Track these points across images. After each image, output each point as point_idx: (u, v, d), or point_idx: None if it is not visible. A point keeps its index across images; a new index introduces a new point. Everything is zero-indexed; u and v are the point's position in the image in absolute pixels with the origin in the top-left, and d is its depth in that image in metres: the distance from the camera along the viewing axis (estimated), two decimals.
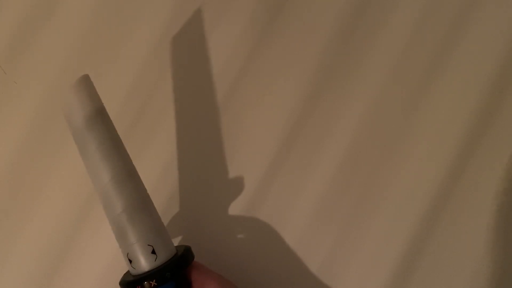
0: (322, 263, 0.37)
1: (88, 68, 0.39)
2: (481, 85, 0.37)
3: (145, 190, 0.31)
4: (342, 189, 0.37)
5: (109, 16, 0.39)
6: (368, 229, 0.37)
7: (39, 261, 0.38)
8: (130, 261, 0.30)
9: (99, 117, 0.29)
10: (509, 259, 0.36)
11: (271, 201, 0.37)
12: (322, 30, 0.38)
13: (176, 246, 0.32)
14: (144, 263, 0.29)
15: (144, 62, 0.39)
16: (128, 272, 0.31)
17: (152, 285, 0.29)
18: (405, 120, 0.37)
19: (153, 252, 0.30)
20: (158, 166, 0.38)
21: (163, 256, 0.30)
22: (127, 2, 0.39)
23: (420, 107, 0.37)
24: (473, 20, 0.38)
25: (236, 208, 0.38)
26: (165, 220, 0.37)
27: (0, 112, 0.39)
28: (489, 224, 0.36)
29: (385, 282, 0.36)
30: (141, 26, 0.39)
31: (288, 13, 0.39)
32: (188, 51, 0.39)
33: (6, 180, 0.39)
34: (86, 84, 0.29)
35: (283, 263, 0.37)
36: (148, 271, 0.29)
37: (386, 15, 0.38)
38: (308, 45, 0.38)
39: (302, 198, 0.37)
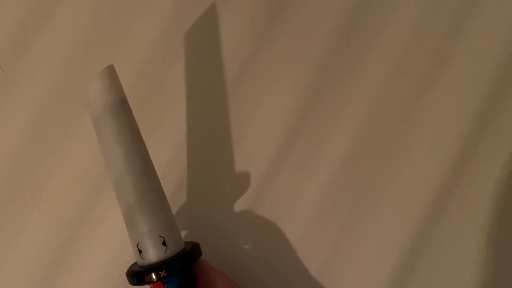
0: (323, 262, 0.37)
1: (88, 68, 0.39)
2: (481, 84, 0.39)
3: (159, 182, 0.31)
4: (344, 188, 0.38)
5: (109, 15, 0.40)
6: (369, 228, 0.37)
7: (44, 252, 0.37)
8: (140, 251, 0.30)
9: (122, 108, 0.30)
10: (510, 259, 0.37)
11: (273, 200, 0.38)
12: (323, 29, 0.39)
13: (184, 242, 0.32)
14: (154, 254, 0.30)
15: (144, 62, 0.39)
16: (135, 263, 0.31)
17: (162, 276, 0.29)
18: (406, 120, 0.38)
19: (164, 243, 0.30)
20: (161, 162, 0.38)
21: (173, 248, 0.30)
22: (126, 3, 0.40)
23: (420, 106, 0.38)
24: (473, 19, 0.39)
25: (238, 206, 0.38)
26: None
27: (0, 112, 0.39)
28: (489, 224, 0.37)
29: (386, 281, 0.37)
30: (142, 26, 0.40)
31: (289, 11, 0.40)
32: (190, 51, 0.40)
33: (7, 180, 0.38)
34: (111, 74, 0.30)
35: (285, 261, 0.37)
36: (157, 262, 0.29)
37: (387, 15, 0.39)
38: (309, 44, 0.39)
39: (304, 196, 0.38)
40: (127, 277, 0.30)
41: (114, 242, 0.37)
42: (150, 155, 0.31)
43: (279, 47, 0.39)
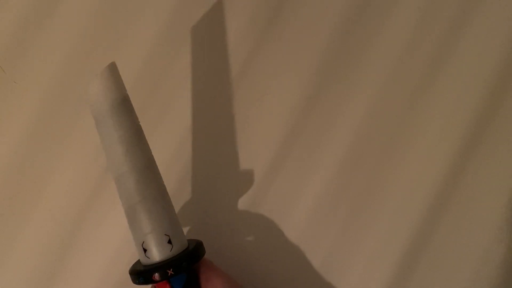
0: (326, 260, 0.37)
1: (88, 67, 0.39)
2: (482, 83, 0.38)
3: (162, 180, 0.31)
4: (345, 186, 0.38)
5: (110, 15, 0.40)
6: (370, 226, 0.37)
7: (44, 250, 0.37)
8: (145, 251, 0.30)
9: (124, 106, 0.30)
10: (511, 258, 0.37)
11: (274, 198, 0.38)
12: (324, 29, 0.39)
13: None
14: (160, 253, 0.29)
15: (147, 59, 0.39)
16: (138, 261, 0.31)
17: (169, 274, 0.29)
18: (406, 119, 0.38)
19: (169, 242, 0.30)
20: (163, 160, 0.37)
21: (178, 247, 0.30)
22: (127, 3, 0.40)
23: (421, 105, 0.38)
24: (474, 18, 0.39)
25: (239, 204, 0.38)
26: None
27: (0, 112, 0.39)
28: (490, 223, 0.37)
29: (387, 279, 0.37)
30: (144, 23, 0.39)
31: (290, 11, 0.39)
32: (191, 49, 0.39)
33: (7, 180, 0.38)
34: (113, 71, 0.30)
35: (288, 259, 0.37)
36: (164, 260, 0.29)
37: (387, 14, 0.39)
38: (310, 43, 0.39)
39: (306, 194, 0.38)
40: (132, 276, 0.30)
41: (115, 241, 0.37)
42: (153, 153, 0.31)
43: (280, 46, 0.39)
